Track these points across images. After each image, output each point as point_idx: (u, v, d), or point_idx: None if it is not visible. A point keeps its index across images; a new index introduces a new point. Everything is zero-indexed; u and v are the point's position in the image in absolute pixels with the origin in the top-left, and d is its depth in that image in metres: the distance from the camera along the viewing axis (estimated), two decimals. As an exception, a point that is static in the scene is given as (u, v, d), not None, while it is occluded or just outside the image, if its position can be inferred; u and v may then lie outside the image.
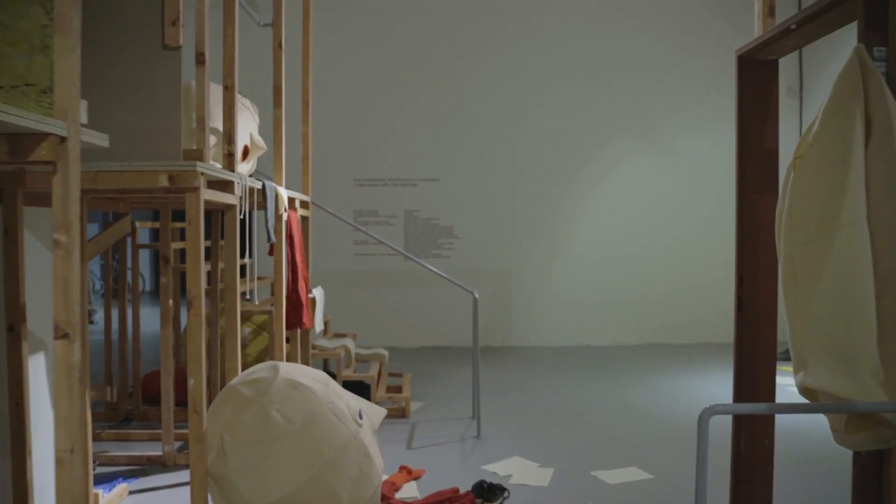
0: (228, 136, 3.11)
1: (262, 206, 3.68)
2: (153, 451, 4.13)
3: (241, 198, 3.16)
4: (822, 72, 7.75)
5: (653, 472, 3.87)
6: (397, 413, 5.04)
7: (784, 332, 2.41)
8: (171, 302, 4.19)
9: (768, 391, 2.75)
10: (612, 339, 8.17)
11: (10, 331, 2.49)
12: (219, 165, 3.15)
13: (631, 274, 8.20)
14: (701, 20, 8.18)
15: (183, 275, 3.23)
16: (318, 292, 4.92)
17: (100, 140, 1.83)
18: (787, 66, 7.61)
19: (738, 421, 2.81)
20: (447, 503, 3.39)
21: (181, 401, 3.93)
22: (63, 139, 1.63)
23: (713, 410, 1.68)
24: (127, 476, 3.80)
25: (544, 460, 4.06)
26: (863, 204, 1.80)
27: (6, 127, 1.51)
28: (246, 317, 5.28)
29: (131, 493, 3.61)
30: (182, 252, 5.11)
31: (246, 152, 3.92)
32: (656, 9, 8.20)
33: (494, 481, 3.65)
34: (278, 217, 3.89)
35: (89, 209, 3.26)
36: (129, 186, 2.55)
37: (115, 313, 5.01)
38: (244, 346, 5.21)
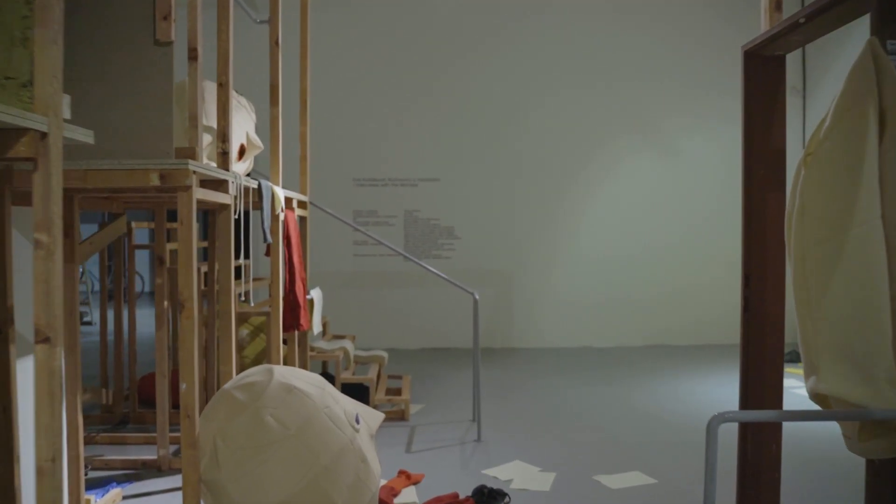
0: (223, 135, 3.04)
1: (259, 206, 3.62)
2: (148, 454, 4.07)
3: (235, 197, 3.09)
4: (826, 70, 7.67)
5: (656, 477, 3.80)
6: (396, 416, 4.97)
7: (791, 333, 2.34)
8: (166, 303, 4.12)
9: (776, 395, 2.68)
10: (614, 340, 8.10)
11: (-2, 333, 2.42)
12: (214, 164, 3.09)
13: (633, 274, 8.13)
14: (703, 19, 8.11)
15: (178, 276, 3.16)
16: (315, 293, 4.85)
17: (84, 136, 1.76)
18: (789, 64, 7.54)
19: (745, 425, 2.74)
20: (447, 509, 3.32)
21: (177, 404, 3.86)
22: (44, 135, 1.56)
23: (722, 418, 1.61)
24: (121, 481, 3.74)
25: (546, 464, 4.00)
26: (877, 202, 1.73)
27: (-16, 122, 1.45)
28: (244, 318, 5.21)
29: (125, 497, 3.54)
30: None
31: (242, 151, 3.86)
32: (657, 8, 8.14)
33: (495, 486, 3.59)
34: (275, 217, 3.82)
35: (82, 209, 3.19)
36: (119, 185, 2.48)
37: (111, 315, 4.95)
38: (242, 348, 5.14)
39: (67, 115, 1.64)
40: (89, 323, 10.12)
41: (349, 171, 8.09)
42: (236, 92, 3.99)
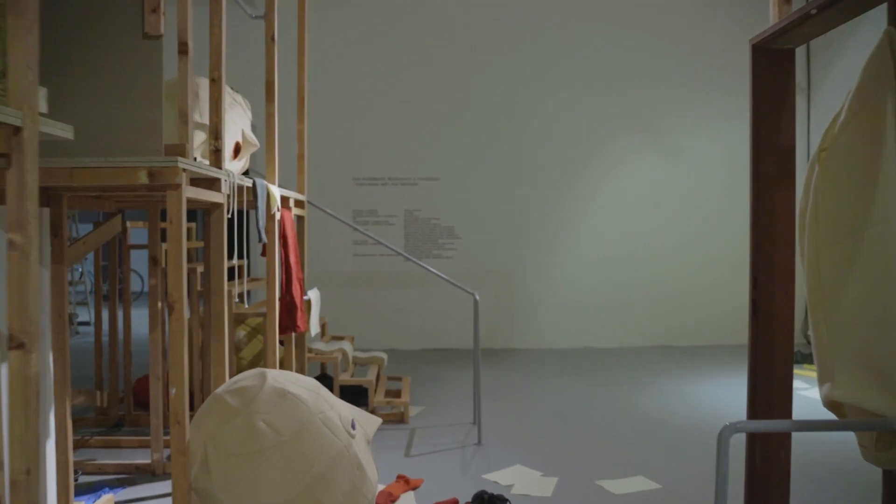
0: (215, 131, 2.96)
1: (254, 205, 3.54)
2: (142, 458, 3.99)
3: (229, 196, 3.01)
4: (831, 68, 7.58)
5: (660, 482, 3.71)
6: (396, 418, 4.89)
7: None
8: (160, 304, 4.05)
9: (786, 401, 2.59)
10: (617, 340, 8.01)
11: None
12: (207, 162, 3.01)
13: (635, 274, 8.04)
14: (704, 18, 8.02)
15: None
16: (313, 294, 4.77)
17: (62, 132, 1.68)
18: (795, 61, 7.45)
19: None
20: (446, 515, 3.24)
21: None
22: (18, 129, 1.48)
23: (734, 428, 1.52)
24: (113, 485, 3.66)
25: (547, 469, 3.91)
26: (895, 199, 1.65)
27: (-48, 116, 1.37)
28: (241, 319, 5.14)
29: (117, 503, 3.46)
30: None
31: (238, 149, 3.78)
32: (658, 7, 8.05)
33: (496, 491, 3.51)
34: (270, 216, 3.74)
35: (71, 208, 3.12)
36: (107, 183, 2.40)
37: (106, 315, 4.88)
38: (239, 350, 5.07)
39: (44, 108, 1.56)
40: (88, 323, 10.05)
41: (349, 170, 8.01)
42: (232, 89, 3.92)
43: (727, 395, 5.63)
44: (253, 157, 4.90)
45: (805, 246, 1.86)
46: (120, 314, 4.88)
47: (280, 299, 3.97)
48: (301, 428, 2.49)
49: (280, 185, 4.02)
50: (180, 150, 2.46)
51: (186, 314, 2.59)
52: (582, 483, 3.71)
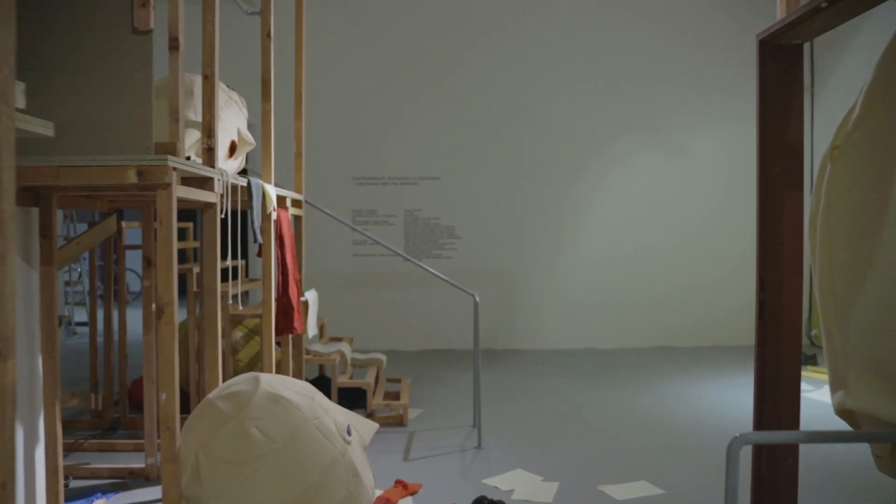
0: (208, 129, 2.89)
1: (249, 204, 3.47)
2: (136, 462, 3.92)
3: (222, 196, 2.94)
4: (836, 66, 7.49)
5: (664, 487, 3.64)
6: (394, 421, 4.82)
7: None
8: (154, 306, 3.97)
9: (793, 408, 2.52)
10: (619, 341, 7.94)
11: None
12: (200, 161, 2.94)
13: (637, 275, 7.97)
14: (707, 17, 7.93)
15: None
16: (310, 295, 4.70)
17: (42, 128, 1.61)
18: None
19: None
20: (445, 522, 3.17)
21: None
22: (-7, 126, 1.41)
23: (744, 440, 1.45)
24: (106, 490, 3.59)
25: (548, 473, 3.84)
26: (913, 200, 1.57)
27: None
28: (238, 321, 5.07)
29: (109, 509, 3.40)
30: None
31: (233, 148, 3.71)
32: (660, 6, 7.97)
33: (496, 497, 3.44)
34: (266, 216, 3.67)
35: (63, 208, 3.05)
36: (95, 183, 2.33)
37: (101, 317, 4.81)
38: (236, 352, 5.00)
39: (21, 104, 1.49)
40: (86, 324, 9.99)
41: (348, 169, 7.94)
42: (227, 86, 3.85)
43: (730, 397, 5.56)
44: (250, 156, 4.83)
45: (817, 248, 1.79)
46: (115, 315, 4.82)
47: (276, 300, 3.91)
48: (295, 434, 2.42)
49: (277, 185, 3.95)
50: (171, 148, 2.39)
51: (182, 315, 2.53)
52: (584, 488, 3.64)
